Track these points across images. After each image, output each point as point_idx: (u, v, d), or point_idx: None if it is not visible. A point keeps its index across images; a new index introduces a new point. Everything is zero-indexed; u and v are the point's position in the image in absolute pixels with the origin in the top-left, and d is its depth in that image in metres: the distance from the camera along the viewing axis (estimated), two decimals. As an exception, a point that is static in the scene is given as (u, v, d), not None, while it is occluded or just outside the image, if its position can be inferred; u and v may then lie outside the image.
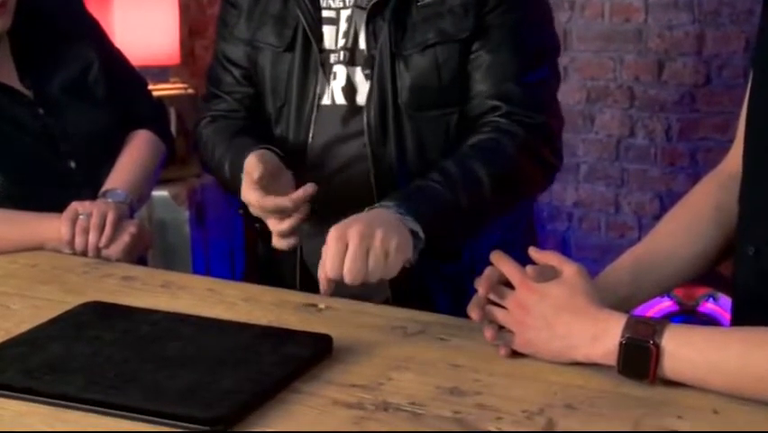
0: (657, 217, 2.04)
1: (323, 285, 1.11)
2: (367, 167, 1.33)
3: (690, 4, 2.62)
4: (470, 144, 1.29)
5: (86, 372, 0.94)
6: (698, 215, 1.14)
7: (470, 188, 1.24)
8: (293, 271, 1.40)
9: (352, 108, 1.35)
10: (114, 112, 1.61)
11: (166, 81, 3.02)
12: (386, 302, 1.30)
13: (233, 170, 1.32)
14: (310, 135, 1.37)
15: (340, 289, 1.28)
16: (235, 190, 1.30)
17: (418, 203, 1.19)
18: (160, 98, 1.81)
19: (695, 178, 2.57)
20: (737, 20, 2.57)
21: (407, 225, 1.16)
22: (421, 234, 1.16)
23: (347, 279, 1.08)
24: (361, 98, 1.34)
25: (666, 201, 2.71)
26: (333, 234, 1.09)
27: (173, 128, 2.05)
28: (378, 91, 1.32)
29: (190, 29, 3.41)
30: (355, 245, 1.08)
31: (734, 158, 1.13)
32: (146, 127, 1.66)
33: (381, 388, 0.93)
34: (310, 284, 1.32)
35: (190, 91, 3.04)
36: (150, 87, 1.80)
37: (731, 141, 1.17)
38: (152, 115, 1.70)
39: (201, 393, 0.89)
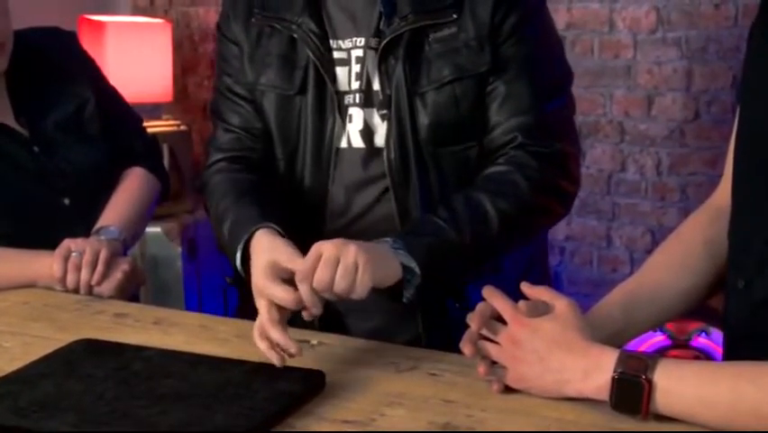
0: (649, 251, 2.05)
1: (306, 302, 1.09)
2: (390, 208, 1.31)
3: (678, 41, 2.65)
4: (481, 178, 1.29)
5: (77, 409, 0.93)
6: (688, 249, 1.14)
7: (475, 223, 1.23)
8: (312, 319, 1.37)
9: (371, 150, 1.32)
10: (108, 149, 1.62)
11: (159, 118, 3.03)
12: (416, 339, 1.28)
13: (232, 239, 1.24)
14: (330, 179, 1.33)
15: (365, 326, 1.28)
16: (227, 254, 1.26)
17: (416, 238, 1.18)
18: (154, 135, 1.81)
19: (685, 212, 2.58)
20: (724, 56, 2.60)
21: (400, 258, 1.15)
22: (416, 270, 1.16)
23: (315, 283, 1.07)
24: (380, 140, 1.32)
25: (657, 235, 2.72)
26: (312, 247, 1.10)
27: (166, 164, 2.05)
28: (396, 131, 1.29)
29: (183, 66, 3.43)
30: (327, 253, 1.08)
31: (723, 192, 1.14)
32: (140, 164, 1.67)
33: (374, 424, 0.93)
34: (332, 328, 1.29)
35: (183, 128, 3.05)
36: (144, 124, 1.81)
37: (720, 175, 1.18)
38: (146, 152, 1.71)
39: (194, 430, 0.88)
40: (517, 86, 1.29)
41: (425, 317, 1.32)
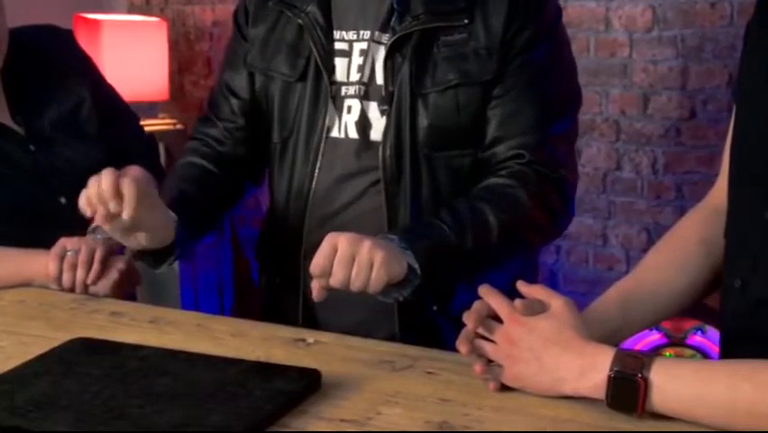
0: (645, 250, 2.05)
1: (314, 291, 1.13)
2: (379, 201, 1.32)
3: (674, 40, 2.66)
4: (484, 187, 1.29)
5: (74, 408, 0.93)
6: (684, 248, 1.15)
7: (477, 231, 1.24)
8: (296, 309, 1.39)
9: (366, 143, 1.33)
10: (105, 148, 1.62)
11: (155, 117, 3.03)
12: (392, 338, 1.29)
13: None
14: (317, 166, 1.36)
15: (342, 320, 1.28)
16: None
17: (421, 240, 1.20)
18: (151, 134, 1.81)
19: (681, 210, 2.58)
20: (720, 55, 2.60)
21: (407, 259, 1.16)
22: (419, 272, 1.17)
23: (332, 282, 1.11)
24: (375, 134, 1.33)
25: (653, 234, 2.73)
26: (326, 238, 1.13)
27: (162, 163, 2.05)
28: (395, 128, 1.30)
29: (179, 65, 3.43)
30: (343, 249, 1.11)
31: (719, 191, 1.15)
32: (137, 163, 1.66)
33: (370, 423, 0.93)
34: (312, 321, 1.31)
35: (179, 126, 3.05)
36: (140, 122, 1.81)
37: (716, 174, 1.18)
38: (144, 151, 1.71)
39: (190, 429, 0.88)
40: (526, 103, 1.29)
41: (402, 316, 1.32)
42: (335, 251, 1.11)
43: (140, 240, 1.26)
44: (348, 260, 1.11)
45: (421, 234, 1.21)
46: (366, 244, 1.11)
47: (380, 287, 1.13)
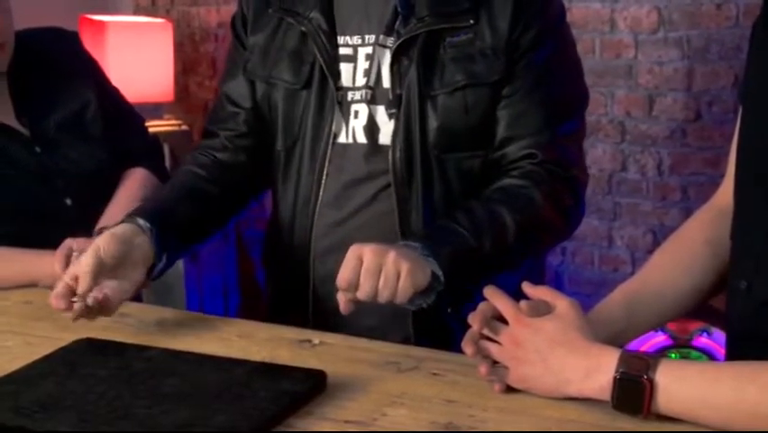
0: (650, 251, 2.05)
1: (342, 304, 1.13)
2: (390, 205, 1.32)
3: (680, 41, 2.65)
4: (498, 188, 1.29)
5: (79, 409, 0.93)
6: (690, 249, 1.14)
7: (494, 233, 1.24)
8: (306, 315, 1.38)
9: (374, 147, 1.33)
10: (110, 150, 1.62)
11: (160, 118, 3.04)
12: (406, 341, 1.29)
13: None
14: (325, 173, 1.35)
15: (357, 322, 1.28)
16: None
17: (443, 247, 1.19)
18: (155, 135, 1.81)
19: (687, 212, 2.58)
20: (726, 56, 2.60)
21: (431, 266, 1.16)
22: (442, 278, 1.17)
23: (360, 295, 1.10)
24: (384, 138, 1.32)
25: (659, 235, 2.72)
26: (350, 250, 1.12)
27: (167, 164, 2.05)
28: (404, 131, 1.30)
29: (184, 66, 3.43)
30: (368, 261, 1.10)
31: (724, 193, 1.14)
32: (142, 165, 1.67)
33: (376, 424, 0.93)
34: (323, 328, 1.31)
35: (184, 127, 3.06)
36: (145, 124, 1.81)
37: (722, 175, 1.18)
38: (148, 152, 1.71)
39: (195, 429, 0.88)
40: (534, 103, 1.29)
41: (416, 319, 1.32)
42: (361, 263, 1.10)
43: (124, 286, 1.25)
44: (375, 272, 1.10)
45: (442, 241, 1.21)
46: (392, 255, 1.11)
47: (407, 297, 1.12)
